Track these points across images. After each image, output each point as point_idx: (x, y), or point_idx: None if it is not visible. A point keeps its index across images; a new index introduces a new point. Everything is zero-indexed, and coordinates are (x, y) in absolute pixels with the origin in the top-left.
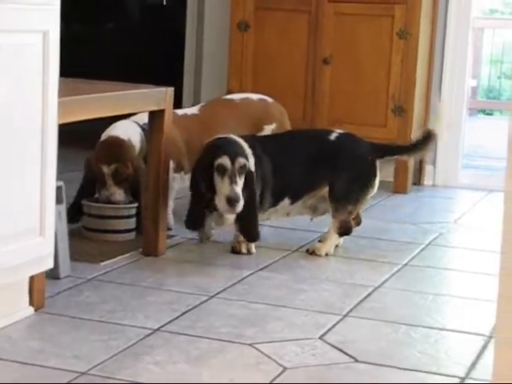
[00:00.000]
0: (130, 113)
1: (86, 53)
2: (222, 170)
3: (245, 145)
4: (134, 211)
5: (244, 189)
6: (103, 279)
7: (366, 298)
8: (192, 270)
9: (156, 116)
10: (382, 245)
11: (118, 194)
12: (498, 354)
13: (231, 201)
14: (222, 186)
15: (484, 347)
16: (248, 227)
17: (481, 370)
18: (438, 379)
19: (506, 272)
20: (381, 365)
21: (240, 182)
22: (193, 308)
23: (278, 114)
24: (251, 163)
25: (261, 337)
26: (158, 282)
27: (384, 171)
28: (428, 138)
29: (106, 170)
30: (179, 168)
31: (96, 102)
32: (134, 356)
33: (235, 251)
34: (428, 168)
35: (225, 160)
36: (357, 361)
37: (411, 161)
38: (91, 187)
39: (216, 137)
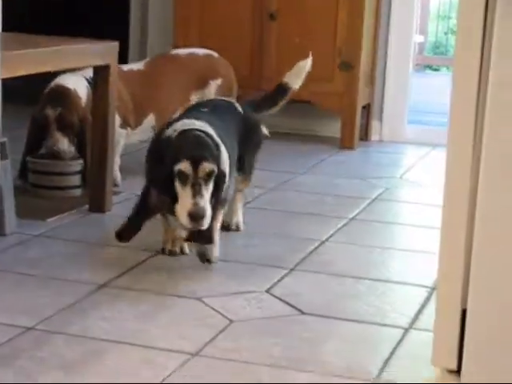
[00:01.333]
0: (75, 67)
1: (28, 6)
2: (184, 178)
3: (213, 133)
4: (79, 167)
5: (212, 195)
6: (50, 235)
7: (312, 251)
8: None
9: (101, 71)
10: (329, 200)
11: (61, 143)
12: (440, 305)
13: (194, 217)
14: (183, 197)
15: (428, 299)
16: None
17: (424, 321)
18: (382, 330)
19: (447, 226)
20: (327, 317)
21: (206, 191)
22: (140, 263)
23: (223, 68)
24: (224, 159)
25: (208, 291)
26: (105, 238)
27: (331, 127)
28: (283, 90)
29: (50, 113)
30: (126, 124)
31: (39, 57)
32: (82, 311)
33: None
34: (375, 124)
35: (185, 166)
36: (303, 313)
37: (358, 117)
38: (37, 140)
39: (176, 124)
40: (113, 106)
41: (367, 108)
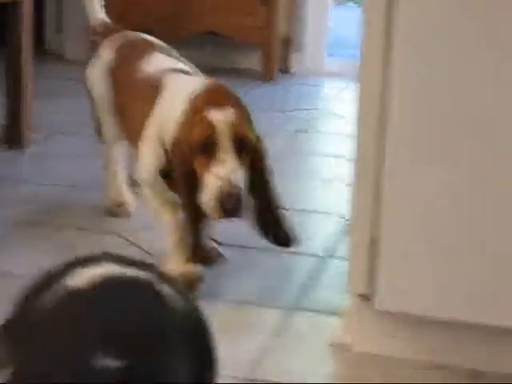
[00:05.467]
0: None
1: None
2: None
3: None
4: None
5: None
6: None
7: None
8: (57, 163)
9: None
10: None
11: (237, 172)
12: (352, 233)
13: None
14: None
15: (345, 227)
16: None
17: (342, 249)
18: (300, 259)
19: (358, 156)
20: (244, 247)
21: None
22: (56, 201)
23: None
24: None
25: (125, 227)
26: (23, 174)
27: (250, 59)
28: None
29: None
30: None
31: None
32: None
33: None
34: (295, 56)
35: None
36: (220, 244)
37: (277, 48)
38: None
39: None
40: (26, 37)
41: (287, 41)
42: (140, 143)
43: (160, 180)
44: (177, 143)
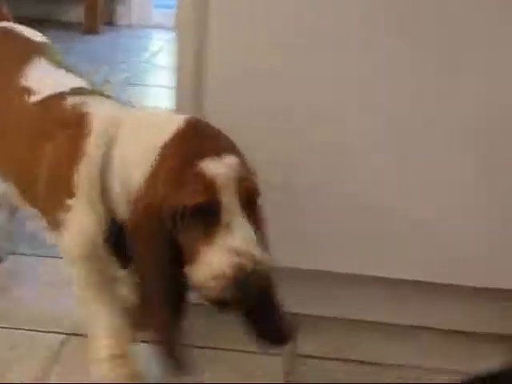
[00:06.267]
0: None
1: None
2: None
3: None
4: None
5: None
6: None
7: None
8: None
9: None
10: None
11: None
12: None
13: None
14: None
15: None
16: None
17: None
18: None
19: (178, 105)
20: None
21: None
22: None
23: None
24: None
25: None
26: None
27: (72, 12)
28: None
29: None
30: None
31: None
32: None
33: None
34: (121, 8)
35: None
36: None
37: (101, 0)
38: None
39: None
40: None
41: None
42: (60, 202)
43: (100, 252)
44: (145, 206)
